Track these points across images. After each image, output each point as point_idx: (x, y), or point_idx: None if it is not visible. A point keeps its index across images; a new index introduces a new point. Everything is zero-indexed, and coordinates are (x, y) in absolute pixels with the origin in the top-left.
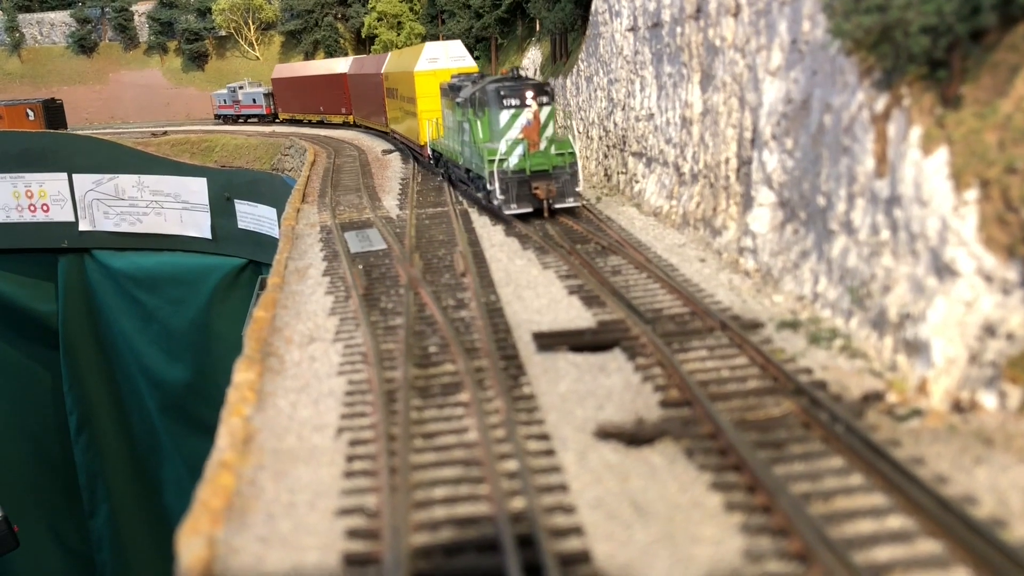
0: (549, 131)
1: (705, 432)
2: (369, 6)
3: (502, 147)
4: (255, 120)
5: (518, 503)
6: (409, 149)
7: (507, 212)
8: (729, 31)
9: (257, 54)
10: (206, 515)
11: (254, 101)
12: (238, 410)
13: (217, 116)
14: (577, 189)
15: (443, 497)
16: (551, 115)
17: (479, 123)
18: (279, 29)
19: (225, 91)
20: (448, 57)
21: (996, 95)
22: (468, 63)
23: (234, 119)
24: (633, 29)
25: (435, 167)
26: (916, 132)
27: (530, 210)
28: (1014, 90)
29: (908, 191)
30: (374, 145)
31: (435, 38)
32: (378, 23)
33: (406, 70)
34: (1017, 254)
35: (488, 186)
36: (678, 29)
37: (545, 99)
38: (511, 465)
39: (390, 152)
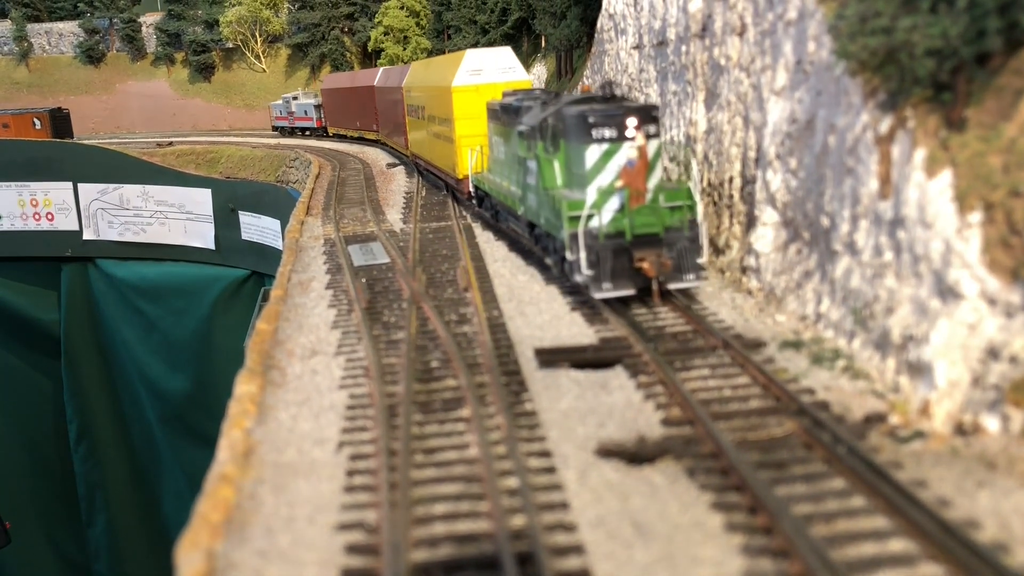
0: (657, 174)
1: (707, 451)
2: (376, 20)
3: (590, 198)
4: (307, 134)
5: (519, 520)
6: (428, 174)
7: (598, 295)
8: (734, 50)
9: (263, 66)
10: (205, 528)
11: (305, 113)
12: (239, 423)
13: (275, 128)
14: (700, 260)
15: (443, 513)
16: (659, 151)
17: (554, 162)
18: (286, 42)
19: (281, 101)
20: (494, 68)
21: (1000, 119)
22: (519, 76)
23: (289, 132)
24: (638, 47)
25: (478, 207)
26: (920, 154)
27: (632, 292)
28: (1019, 114)
29: (912, 213)
30: (379, 159)
31: (441, 53)
32: (384, 37)
33: (439, 85)
34: (1021, 277)
35: (567, 254)
36: (683, 48)
37: (652, 128)
38: (512, 482)
39: (394, 166)
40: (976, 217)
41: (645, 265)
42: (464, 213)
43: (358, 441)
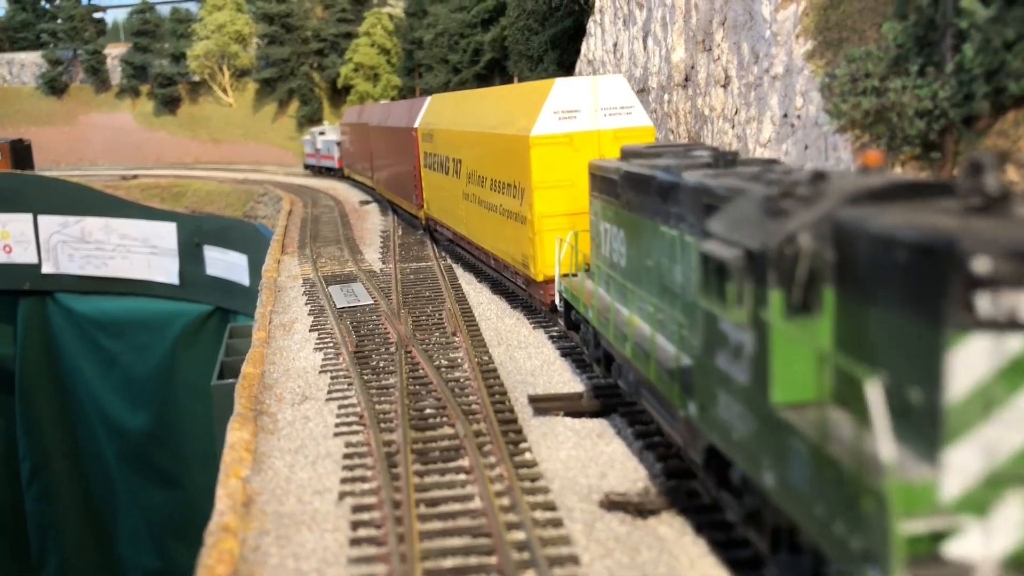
0: None
1: (711, 503)
2: (346, 57)
3: (955, 481)
4: (331, 174)
5: (530, 575)
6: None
7: None
8: (718, 101)
9: (231, 100)
10: None
11: (328, 151)
12: (235, 471)
13: (306, 167)
14: None
15: (453, 567)
16: None
17: (814, 346)
18: (254, 76)
19: (309, 137)
20: (598, 109)
21: None
22: (638, 120)
23: (317, 171)
24: None
25: (568, 328)
26: None
27: None
28: (1005, 175)
29: None
30: (350, 196)
31: (412, 92)
32: (355, 73)
33: (501, 132)
34: None
35: None
36: (665, 96)
37: None
38: (519, 535)
39: (367, 203)
40: None
41: None
42: (443, 253)
43: (359, 492)
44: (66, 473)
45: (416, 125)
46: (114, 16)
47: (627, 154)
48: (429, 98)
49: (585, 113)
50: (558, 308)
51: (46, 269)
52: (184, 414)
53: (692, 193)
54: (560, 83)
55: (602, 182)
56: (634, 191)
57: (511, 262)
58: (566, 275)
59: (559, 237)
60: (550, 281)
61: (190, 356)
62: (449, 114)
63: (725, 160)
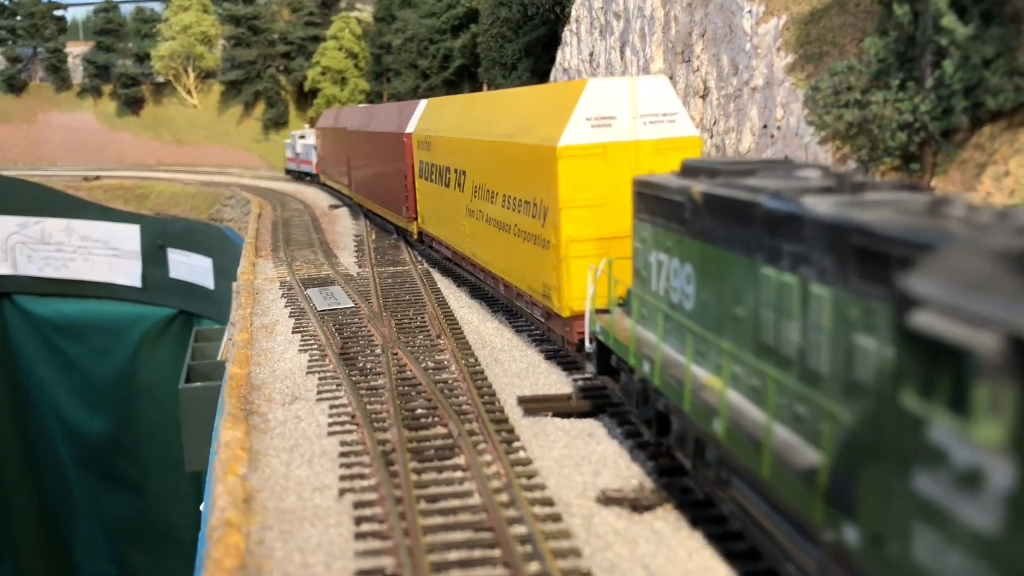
0: None
1: (704, 499)
2: (313, 60)
3: None
4: (309, 180)
5: (534, 567)
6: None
7: None
8: (697, 112)
9: (195, 102)
10: (221, 574)
11: (307, 156)
12: (232, 469)
13: (287, 172)
14: None
15: (459, 560)
16: None
17: None
18: (219, 78)
19: (290, 140)
20: (637, 115)
21: (965, 190)
22: (683, 129)
23: (296, 176)
24: None
25: (597, 372)
26: None
27: None
28: (982, 186)
29: None
30: (319, 199)
31: (380, 96)
32: (322, 77)
33: (522, 141)
34: None
35: None
36: None
37: None
38: (521, 530)
39: (337, 207)
40: None
41: None
42: (420, 258)
43: (359, 488)
44: (21, 479)
45: (410, 131)
46: (74, 14)
47: (692, 170)
48: (424, 101)
49: (622, 120)
50: (587, 349)
51: (3, 271)
52: (145, 419)
53: (828, 230)
54: (593, 84)
55: (656, 203)
56: (718, 218)
57: (527, 291)
58: (603, 311)
59: (592, 266)
60: (578, 317)
61: (152, 360)
62: (451, 120)
63: (852, 184)
